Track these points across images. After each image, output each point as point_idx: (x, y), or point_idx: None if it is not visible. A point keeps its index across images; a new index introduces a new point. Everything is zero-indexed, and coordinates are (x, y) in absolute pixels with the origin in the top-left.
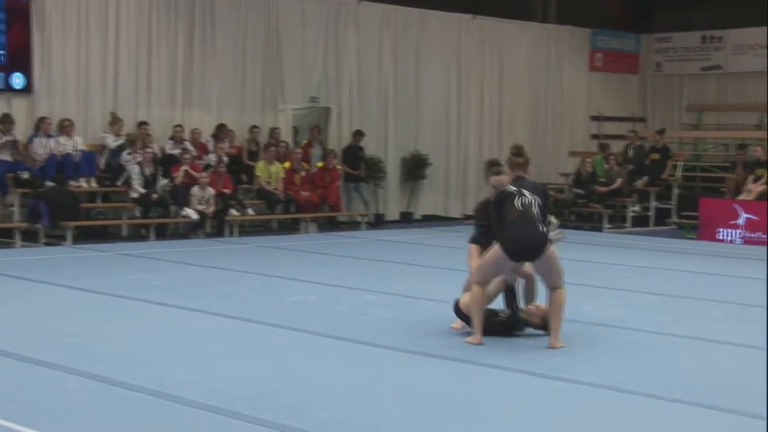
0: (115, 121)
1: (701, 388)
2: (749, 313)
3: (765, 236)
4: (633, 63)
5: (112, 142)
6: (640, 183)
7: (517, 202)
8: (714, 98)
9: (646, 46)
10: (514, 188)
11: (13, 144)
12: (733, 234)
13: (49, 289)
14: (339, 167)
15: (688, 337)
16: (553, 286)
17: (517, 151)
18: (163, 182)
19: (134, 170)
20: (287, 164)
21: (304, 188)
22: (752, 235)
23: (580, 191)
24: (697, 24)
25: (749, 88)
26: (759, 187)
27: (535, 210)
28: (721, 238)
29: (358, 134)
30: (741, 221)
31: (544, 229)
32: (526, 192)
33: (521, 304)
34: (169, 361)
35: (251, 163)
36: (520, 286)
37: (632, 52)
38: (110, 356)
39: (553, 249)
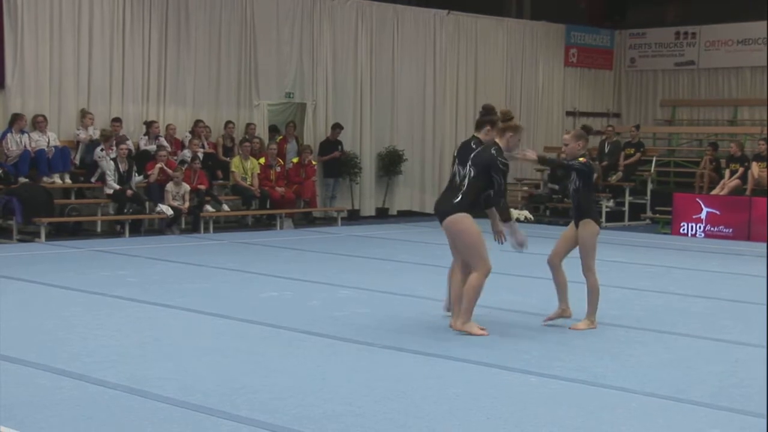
0: (84, 114)
1: (676, 382)
2: (724, 308)
3: (727, 230)
4: (607, 58)
5: (86, 135)
6: (614, 179)
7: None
8: (687, 94)
9: (621, 41)
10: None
11: None
12: (696, 228)
13: (23, 286)
14: (314, 162)
15: (663, 332)
16: (468, 266)
17: (482, 110)
18: (137, 179)
19: (109, 166)
20: (262, 160)
21: (279, 184)
22: (714, 229)
23: (555, 186)
24: (670, 20)
25: (722, 84)
26: (732, 182)
27: (459, 179)
28: (683, 232)
29: (337, 127)
30: (703, 215)
31: (457, 200)
32: (460, 159)
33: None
34: (144, 358)
35: (226, 159)
36: None
37: (606, 48)
38: (84, 353)
39: (467, 226)
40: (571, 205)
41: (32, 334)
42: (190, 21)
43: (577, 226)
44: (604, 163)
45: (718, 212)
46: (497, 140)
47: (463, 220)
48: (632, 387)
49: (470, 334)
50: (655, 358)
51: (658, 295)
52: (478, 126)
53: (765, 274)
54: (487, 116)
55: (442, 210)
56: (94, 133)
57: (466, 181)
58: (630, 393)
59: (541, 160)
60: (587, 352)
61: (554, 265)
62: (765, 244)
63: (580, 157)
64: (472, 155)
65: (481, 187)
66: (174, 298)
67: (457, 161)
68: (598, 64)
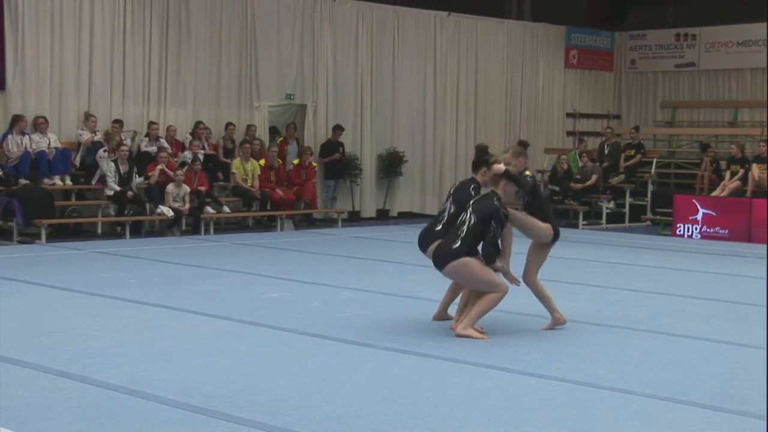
0: (88, 117)
1: (677, 383)
2: (723, 309)
3: (723, 232)
4: (608, 60)
5: (89, 137)
6: (615, 180)
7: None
8: (688, 95)
9: (621, 43)
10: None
11: None
12: (692, 229)
13: (23, 288)
14: (315, 164)
15: (663, 333)
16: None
17: (476, 150)
18: (138, 180)
19: (109, 168)
20: (263, 161)
21: (279, 186)
22: (710, 230)
23: (556, 188)
24: (671, 21)
25: (722, 85)
26: (732, 184)
27: (458, 224)
28: (680, 233)
29: (337, 129)
30: (699, 217)
31: (456, 246)
32: (456, 199)
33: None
34: (145, 359)
35: (227, 160)
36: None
37: (607, 50)
38: (85, 354)
39: (469, 266)
40: None
41: (33, 335)
42: (191, 22)
43: None
44: (605, 164)
45: (714, 213)
46: (494, 189)
47: (462, 263)
48: (633, 389)
49: (470, 338)
50: (655, 360)
51: (658, 296)
52: (475, 167)
53: (765, 276)
54: (482, 156)
55: (441, 256)
56: (97, 134)
57: (465, 227)
58: (631, 395)
59: (506, 174)
60: (587, 354)
61: (531, 282)
62: (765, 246)
63: (525, 171)
64: (471, 202)
65: (480, 234)
66: (174, 299)
67: (451, 199)
68: (598, 66)
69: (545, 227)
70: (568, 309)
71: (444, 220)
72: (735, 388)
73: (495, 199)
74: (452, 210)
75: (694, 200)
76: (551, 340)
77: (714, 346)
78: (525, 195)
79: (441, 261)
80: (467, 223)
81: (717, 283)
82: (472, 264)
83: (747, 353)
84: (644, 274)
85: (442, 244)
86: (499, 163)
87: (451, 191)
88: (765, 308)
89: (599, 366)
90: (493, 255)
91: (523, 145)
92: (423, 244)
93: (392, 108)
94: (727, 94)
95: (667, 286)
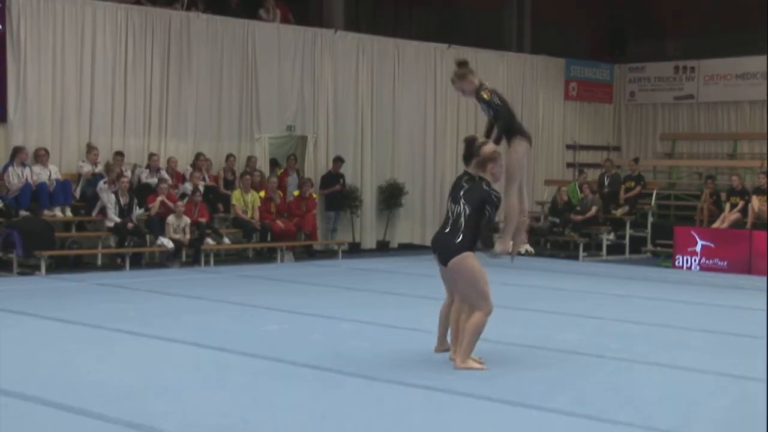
0: (90, 149)
1: (679, 416)
2: (726, 342)
3: (722, 263)
4: (607, 92)
5: (90, 169)
6: (619, 212)
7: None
8: (687, 127)
9: (620, 75)
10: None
11: None
12: (691, 261)
13: (23, 320)
14: (315, 195)
15: (665, 366)
16: (471, 305)
17: (465, 142)
18: (138, 212)
19: (110, 199)
20: (263, 193)
21: (280, 217)
22: (709, 261)
23: (556, 219)
24: (670, 54)
25: (721, 118)
26: (733, 216)
27: (454, 217)
28: (678, 264)
29: (338, 160)
30: (698, 248)
31: (459, 240)
32: (452, 197)
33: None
34: (144, 392)
35: (227, 192)
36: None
37: (606, 82)
38: (84, 387)
39: (471, 265)
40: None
41: (32, 368)
42: (192, 54)
43: None
44: (606, 190)
45: (712, 245)
46: (482, 174)
47: (466, 259)
48: (635, 421)
49: (471, 369)
50: (657, 393)
51: (660, 328)
52: (466, 160)
53: (765, 308)
54: (470, 148)
55: (445, 251)
56: (98, 166)
57: (463, 219)
58: (633, 427)
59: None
60: (588, 386)
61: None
62: (765, 278)
63: (482, 88)
64: (462, 193)
65: (478, 223)
66: (174, 331)
67: (450, 199)
68: (597, 98)
69: (523, 152)
70: (570, 341)
71: (450, 221)
72: (738, 422)
73: (484, 184)
74: (452, 208)
75: (692, 232)
76: (552, 371)
77: (716, 379)
78: (494, 114)
79: (446, 255)
80: (463, 214)
81: (718, 316)
82: (473, 263)
83: (749, 386)
84: (645, 306)
85: (445, 238)
86: (487, 145)
87: (450, 191)
88: (765, 341)
89: (601, 399)
90: (490, 238)
91: (459, 63)
92: (440, 253)
93: (392, 140)
94: (726, 127)
95: (669, 318)
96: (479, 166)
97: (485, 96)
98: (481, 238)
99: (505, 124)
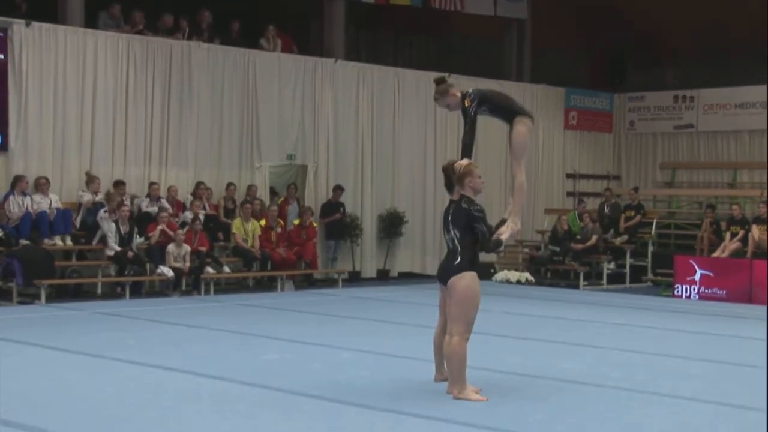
0: (91, 179)
1: None
2: (726, 372)
3: (721, 293)
4: (607, 121)
5: (90, 198)
6: (618, 240)
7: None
8: (687, 156)
9: (620, 104)
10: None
11: None
12: (690, 290)
13: (23, 349)
14: (315, 224)
15: (666, 395)
16: (450, 329)
17: (443, 172)
18: (138, 240)
19: (110, 228)
20: (263, 222)
21: (280, 246)
22: (708, 291)
23: (556, 248)
24: (669, 83)
25: (721, 147)
26: (733, 245)
27: (450, 244)
28: (678, 293)
29: (338, 189)
30: (697, 277)
31: (458, 262)
32: (444, 226)
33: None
34: (144, 421)
35: (227, 220)
36: None
37: (606, 111)
38: (83, 416)
39: (469, 285)
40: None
41: (31, 397)
42: (192, 83)
43: None
44: (607, 213)
45: (711, 274)
46: (464, 192)
47: (465, 278)
48: None
49: (469, 400)
50: (658, 422)
51: (660, 358)
52: (448, 189)
53: (765, 338)
54: (449, 177)
55: (445, 272)
56: (98, 195)
57: (457, 243)
58: None
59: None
60: (588, 416)
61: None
62: (765, 307)
63: (465, 98)
64: (449, 219)
65: (472, 242)
66: (174, 360)
67: (443, 229)
68: (597, 127)
69: (526, 130)
70: (570, 370)
71: (449, 249)
72: None
73: (463, 202)
74: (446, 236)
75: (691, 261)
76: (552, 401)
77: (716, 409)
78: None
79: (446, 275)
80: (456, 239)
81: (719, 345)
82: (470, 290)
83: (750, 416)
84: (646, 335)
85: (446, 262)
86: (457, 162)
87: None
88: (766, 370)
89: (601, 428)
90: (488, 242)
91: (438, 80)
92: (441, 277)
93: (393, 168)
94: (726, 156)
95: (670, 347)
96: (458, 184)
97: (466, 104)
98: (483, 247)
99: (504, 108)
